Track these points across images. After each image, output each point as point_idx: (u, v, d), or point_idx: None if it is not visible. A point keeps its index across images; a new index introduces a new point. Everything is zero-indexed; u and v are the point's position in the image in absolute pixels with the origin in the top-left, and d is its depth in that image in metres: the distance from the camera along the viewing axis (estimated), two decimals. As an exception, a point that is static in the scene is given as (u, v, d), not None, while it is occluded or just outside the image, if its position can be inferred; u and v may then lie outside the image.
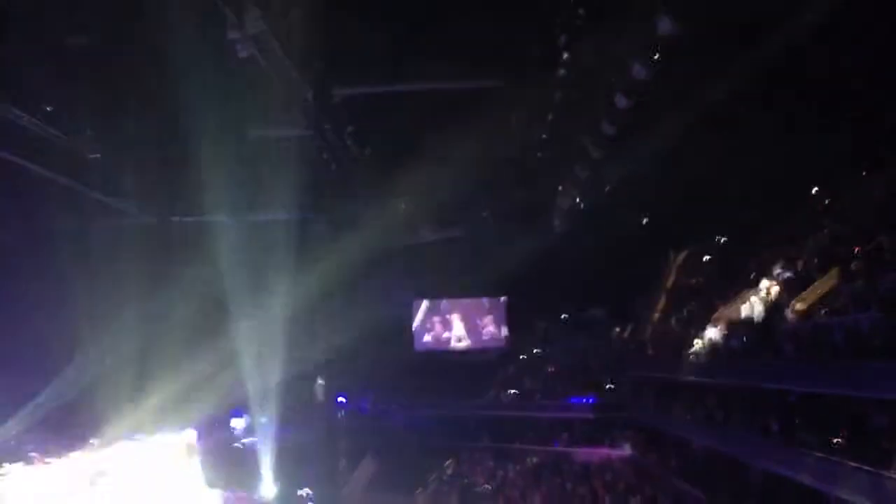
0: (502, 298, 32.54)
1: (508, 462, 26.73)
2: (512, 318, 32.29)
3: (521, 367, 32.00)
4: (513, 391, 30.84)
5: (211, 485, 25.62)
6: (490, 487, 24.99)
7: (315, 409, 27.79)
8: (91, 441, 22.06)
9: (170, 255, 28.94)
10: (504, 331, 32.35)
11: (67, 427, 24.32)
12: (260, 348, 27.62)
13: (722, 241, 27.10)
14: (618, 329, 31.57)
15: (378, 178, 22.74)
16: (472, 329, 32.58)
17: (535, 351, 33.16)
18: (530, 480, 24.89)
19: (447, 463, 26.41)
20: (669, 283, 28.99)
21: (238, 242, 27.82)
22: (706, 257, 27.59)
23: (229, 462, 25.57)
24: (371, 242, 27.14)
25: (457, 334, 32.81)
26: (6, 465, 18.97)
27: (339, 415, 29.25)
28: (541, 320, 33.20)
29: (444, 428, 27.49)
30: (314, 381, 27.11)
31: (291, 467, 25.42)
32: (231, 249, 27.55)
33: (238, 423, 27.64)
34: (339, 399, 28.92)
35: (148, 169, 21.45)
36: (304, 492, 25.14)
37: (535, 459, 26.64)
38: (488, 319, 32.82)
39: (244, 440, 27.04)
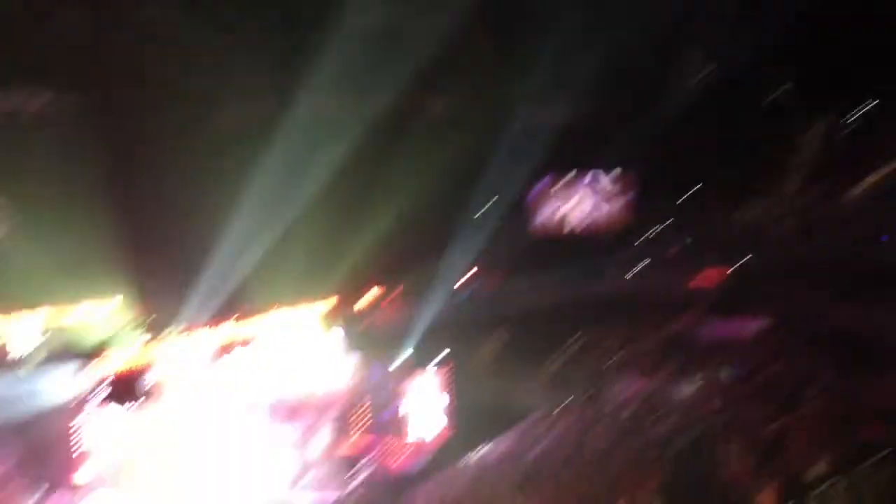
0: (624, 174, 31.75)
1: (631, 341, 26.83)
2: (635, 194, 31.56)
3: (645, 245, 31.48)
4: (637, 268, 30.56)
5: (348, 351, 27.24)
6: (615, 359, 25.32)
7: (452, 281, 28.56)
8: (238, 310, 23.51)
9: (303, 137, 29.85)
10: (626, 207, 31.73)
11: (216, 297, 26.06)
12: (399, 222, 28.53)
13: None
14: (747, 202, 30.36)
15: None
16: (594, 205, 32.18)
17: (660, 227, 32.44)
18: (656, 359, 25.01)
19: (567, 343, 26.77)
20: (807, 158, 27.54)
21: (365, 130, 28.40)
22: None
23: (365, 329, 26.82)
24: (495, 119, 27.13)
25: (578, 211, 32.51)
26: (165, 332, 20.71)
27: (473, 287, 29.95)
28: (666, 198, 32.22)
29: (563, 308, 27.69)
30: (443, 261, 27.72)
31: (427, 333, 26.50)
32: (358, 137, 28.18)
33: (374, 292, 28.77)
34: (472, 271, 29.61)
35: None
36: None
37: (659, 337, 26.62)
38: (611, 195, 32.26)
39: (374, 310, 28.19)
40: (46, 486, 25.85)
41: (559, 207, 32.48)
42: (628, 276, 29.95)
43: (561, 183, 32.58)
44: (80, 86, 30.38)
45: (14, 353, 26.82)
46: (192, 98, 29.85)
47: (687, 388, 22.35)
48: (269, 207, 28.59)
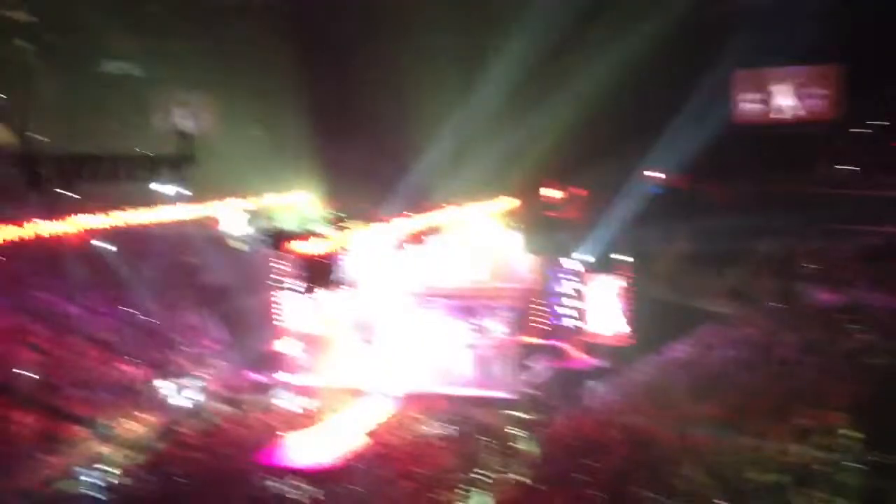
0: (835, 65, 28.86)
1: (837, 243, 24.93)
2: (847, 86, 28.66)
3: (856, 141, 28.71)
4: (845, 167, 28.10)
5: (528, 249, 27.46)
6: (812, 267, 23.78)
7: (632, 187, 27.86)
8: (421, 204, 24.18)
9: (487, 27, 29.55)
10: (836, 100, 28.94)
11: (401, 192, 26.93)
12: (573, 122, 27.98)
13: None
14: None
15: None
16: (798, 99, 29.64)
17: (876, 123, 29.38)
18: (861, 263, 23.19)
19: (765, 242, 25.32)
20: None
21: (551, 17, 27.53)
22: None
23: (544, 229, 26.85)
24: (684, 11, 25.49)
25: (780, 105, 30.14)
26: (353, 223, 21.70)
27: (654, 190, 29.05)
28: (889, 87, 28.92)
29: (764, 206, 26.08)
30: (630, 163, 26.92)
31: (607, 235, 26.19)
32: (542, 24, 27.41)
33: (551, 194, 28.62)
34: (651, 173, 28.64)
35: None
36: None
37: (867, 241, 24.52)
38: (817, 89, 29.53)
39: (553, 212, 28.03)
40: (248, 355, 28.67)
41: (758, 103, 30.26)
42: (828, 179, 27.63)
43: (762, 76, 30.21)
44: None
45: (225, 230, 29.46)
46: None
47: (885, 301, 20.69)
48: (459, 104, 28.88)
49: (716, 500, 13.83)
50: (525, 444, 21.36)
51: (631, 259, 26.09)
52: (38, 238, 20.56)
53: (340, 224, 19.75)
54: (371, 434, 21.96)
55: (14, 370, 21.81)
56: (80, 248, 23.25)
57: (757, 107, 30.14)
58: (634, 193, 28.09)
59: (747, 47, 27.92)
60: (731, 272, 25.51)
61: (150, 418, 22.67)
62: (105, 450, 20.62)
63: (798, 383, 17.60)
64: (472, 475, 19.00)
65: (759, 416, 16.31)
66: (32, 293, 25.40)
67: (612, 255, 26.15)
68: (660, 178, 29.49)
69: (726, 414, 17.01)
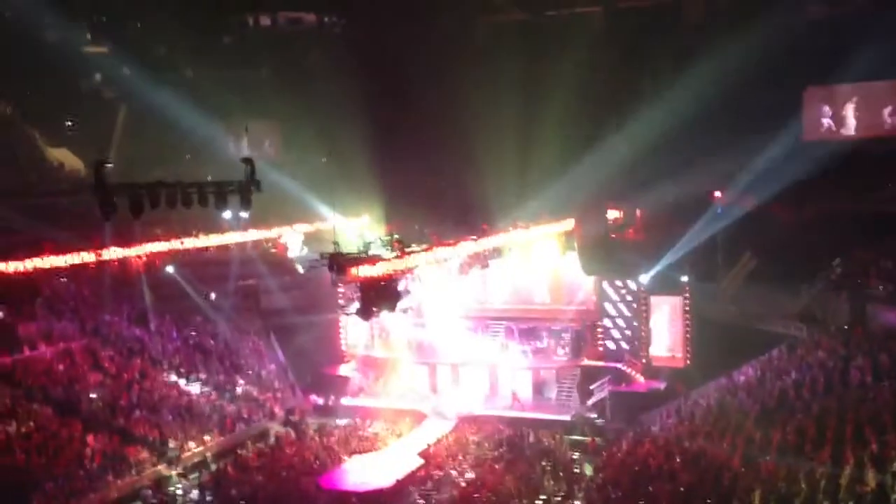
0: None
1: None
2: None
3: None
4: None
5: (588, 272, 27.15)
6: (883, 289, 22.92)
7: (695, 207, 27.40)
8: (482, 227, 24.13)
9: (542, 52, 29.57)
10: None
11: (461, 215, 26.96)
12: (638, 143, 27.70)
13: None
14: None
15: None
16: (872, 116, 28.74)
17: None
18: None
19: (835, 262, 24.50)
20: None
21: (613, 41, 27.42)
22: None
23: (604, 251, 26.50)
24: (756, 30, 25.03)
25: (851, 122, 29.29)
26: (414, 246, 21.80)
27: (718, 210, 28.52)
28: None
29: (833, 225, 25.28)
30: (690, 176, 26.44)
31: (668, 256, 25.71)
32: (604, 48, 27.30)
33: (612, 215, 28.29)
34: (716, 193, 28.09)
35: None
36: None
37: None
38: (890, 105, 28.62)
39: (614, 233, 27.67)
40: (308, 378, 28.98)
41: (832, 117, 29.42)
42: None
43: (833, 92, 29.39)
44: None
45: (291, 252, 30.00)
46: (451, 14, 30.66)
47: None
48: (523, 127, 28.88)
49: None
50: (585, 468, 21.02)
51: (695, 280, 25.57)
52: (109, 263, 21.29)
53: (402, 247, 19.77)
54: (429, 456, 21.87)
55: (83, 392, 22.49)
56: (148, 273, 23.95)
57: (828, 123, 29.40)
58: (698, 214, 27.62)
59: (818, 64, 27.34)
60: (800, 294, 24.75)
61: (214, 440, 23.05)
62: (169, 471, 21.03)
63: (873, 408, 16.89)
64: (532, 499, 18.73)
65: (832, 443, 15.70)
66: (102, 317, 26.19)
67: (675, 276, 25.66)
68: (725, 198, 28.91)
69: (797, 440, 16.42)
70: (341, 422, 25.92)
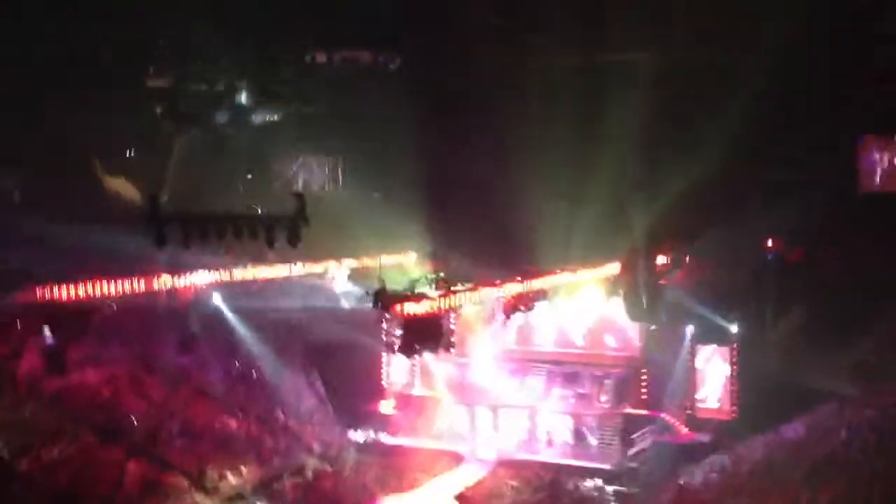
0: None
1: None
2: None
3: None
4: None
5: (633, 318, 26.80)
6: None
7: (745, 255, 27.01)
8: (530, 268, 24.09)
9: (594, 95, 29.58)
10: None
11: (508, 256, 26.93)
12: (688, 188, 27.42)
13: None
14: None
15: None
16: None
17: None
18: None
19: (878, 325, 23.88)
20: None
21: (664, 84, 27.31)
22: None
23: (651, 297, 26.16)
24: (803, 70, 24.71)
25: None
26: (459, 286, 21.91)
27: (769, 257, 28.03)
28: None
29: (887, 279, 24.60)
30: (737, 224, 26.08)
31: (716, 305, 25.31)
32: (656, 91, 27.21)
33: (660, 261, 27.95)
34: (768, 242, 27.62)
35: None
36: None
37: None
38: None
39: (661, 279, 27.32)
40: (348, 414, 28.99)
41: (885, 170, 28.74)
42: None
43: (890, 142, 28.75)
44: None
45: (337, 287, 30.33)
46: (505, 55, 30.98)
47: None
48: (566, 169, 28.88)
49: None
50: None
51: (742, 330, 25.05)
52: (158, 292, 21.76)
53: (448, 286, 19.83)
54: (466, 499, 21.66)
55: (125, 418, 22.82)
56: (195, 303, 24.36)
57: (884, 174, 28.74)
58: (748, 262, 27.18)
59: (874, 113, 26.84)
60: (852, 348, 24.07)
61: (252, 472, 23.14)
62: (206, 502, 21.16)
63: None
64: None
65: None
66: (148, 344, 26.64)
67: (724, 326, 25.20)
68: (775, 246, 28.39)
69: (845, 502, 15.90)
70: (379, 459, 25.83)
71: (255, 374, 28.21)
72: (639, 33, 26.83)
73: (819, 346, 24.36)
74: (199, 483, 21.54)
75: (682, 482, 21.37)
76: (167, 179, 33.58)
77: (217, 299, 25.69)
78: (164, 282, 21.57)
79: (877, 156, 28.92)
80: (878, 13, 25.91)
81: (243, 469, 22.99)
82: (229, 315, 27.58)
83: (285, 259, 26.36)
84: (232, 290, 25.10)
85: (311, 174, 37.38)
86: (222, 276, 23.32)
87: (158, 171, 33.78)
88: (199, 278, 22.38)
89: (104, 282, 19.74)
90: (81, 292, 19.23)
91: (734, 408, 24.73)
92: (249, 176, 36.28)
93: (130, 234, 22.20)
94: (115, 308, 24.39)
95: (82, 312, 20.56)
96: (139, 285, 20.62)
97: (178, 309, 24.71)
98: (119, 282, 19.93)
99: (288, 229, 19.05)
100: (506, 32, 30.54)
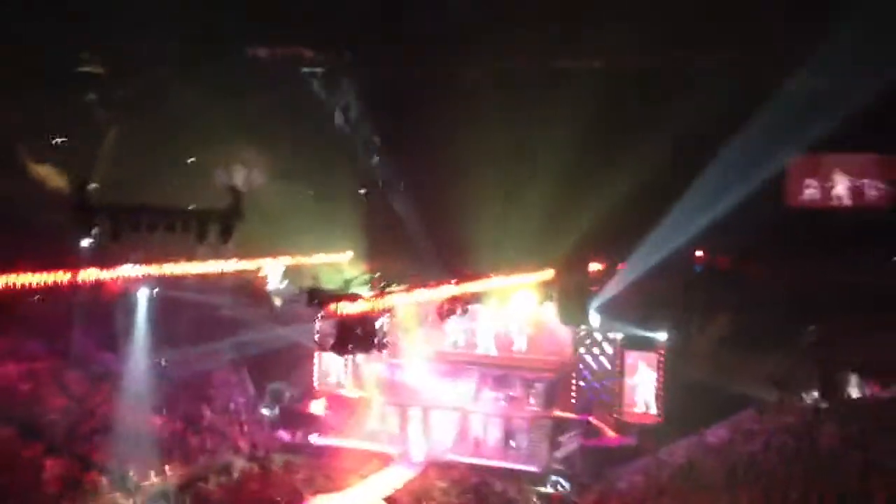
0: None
1: (886, 334, 24.11)
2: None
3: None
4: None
5: (565, 323, 27.21)
6: (858, 358, 23.07)
7: (674, 265, 27.61)
8: (463, 271, 24.19)
9: (536, 102, 29.92)
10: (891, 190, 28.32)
11: (443, 259, 27.01)
12: (619, 197, 27.92)
13: None
14: None
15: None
16: (859, 184, 29.06)
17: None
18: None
19: (810, 329, 24.71)
20: None
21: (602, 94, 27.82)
22: None
23: (582, 303, 26.59)
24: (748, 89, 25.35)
25: (837, 193, 29.62)
26: (394, 286, 21.86)
27: (697, 268, 28.74)
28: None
29: (811, 291, 25.48)
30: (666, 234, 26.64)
31: (645, 312, 25.86)
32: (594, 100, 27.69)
33: (593, 267, 28.40)
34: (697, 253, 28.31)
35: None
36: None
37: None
38: (877, 178, 28.96)
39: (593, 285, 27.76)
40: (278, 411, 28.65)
41: (814, 189, 29.72)
42: (882, 268, 26.92)
43: (820, 162, 29.74)
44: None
45: (269, 285, 29.84)
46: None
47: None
48: (503, 175, 29.07)
49: None
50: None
51: (670, 337, 25.63)
52: (81, 285, 21.03)
53: (381, 287, 19.78)
54: (394, 501, 21.61)
55: (45, 414, 22.10)
56: (120, 297, 23.66)
57: (812, 192, 29.71)
58: (678, 272, 27.78)
59: (805, 131, 27.70)
60: (773, 357, 24.87)
61: (175, 471, 22.64)
62: (127, 500, 20.61)
63: (840, 478, 16.89)
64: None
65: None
66: (70, 338, 25.85)
67: (652, 333, 25.74)
68: (704, 257, 29.12)
69: (763, 505, 16.41)
70: (308, 460, 25.56)
71: (181, 372, 27.65)
72: (581, 42, 27.16)
73: (742, 355, 25.14)
74: (121, 482, 20.96)
75: (606, 484, 21.73)
76: (97, 169, 32.63)
77: (144, 294, 25.01)
78: (89, 275, 20.88)
79: (804, 172, 29.94)
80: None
81: (167, 468, 22.48)
82: (157, 311, 26.96)
83: (218, 255, 25.91)
84: (161, 285, 24.46)
85: (246, 170, 36.81)
86: (151, 270, 22.71)
87: (88, 159, 32.81)
88: (127, 272, 21.75)
89: (26, 273, 19.03)
90: (1, 283, 18.50)
91: (660, 412, 25.29)
92: (190, 160, 35.56)
93: (57, 223, 21.56)
94: (37, 300, 23.58)
95: (2, 305, 19.76)
96: (63, 277, 19.92)
97: (103, 303, 23.95)
98: (42, 273, 19.22)
99: (221, 224, 18.72)
100: (448, 37, 30.63)
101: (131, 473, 21.36)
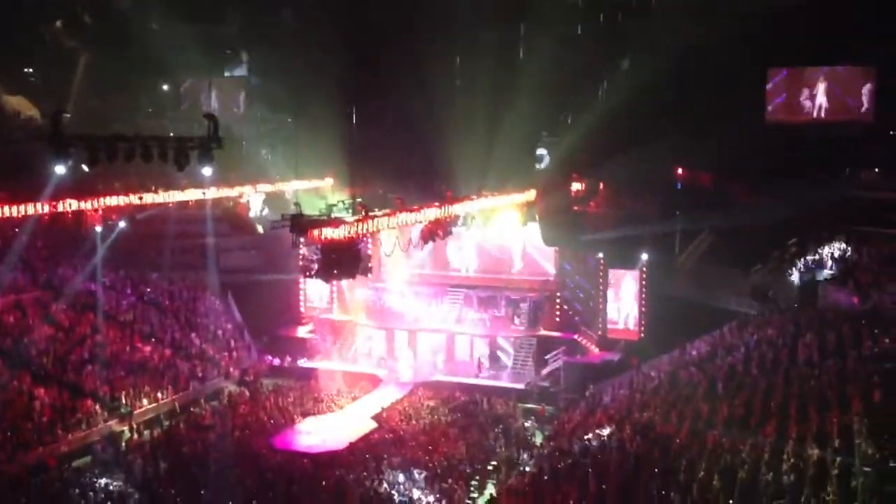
0: (871, 67, 28.30)
1: (862, 246, 24.52)
2: (885, 87, 28.00)
3: (890, 143, 28.18)
4: (876, 169, 27.72)
5: (549, 243, 27.36)
6: (837, 270, 23.44)
7: (655, 183, 27.69)
8: (446, 194, 24.07)
9: (516, 24, 29.44)
10: (869, 102, 28.32)
11: (426, 182, 26.85)
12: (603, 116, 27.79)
13: None
14: None
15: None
16: (834, 101, 29.03)
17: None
18: (885, 266, 22.79)
19: (791, 241, 24.97)
20: None
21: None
22: None
23: (565, 223, 26.69)
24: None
25: (813, 105, 29.56)
26: (377, 210, 21.78)
27: (677, 186, 28.89)
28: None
29: (790, 207, 25.68)
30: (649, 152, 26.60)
31: (628, 230, 26.01)
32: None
33: (575, 187, 28.45)
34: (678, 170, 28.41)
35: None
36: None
37: (883, 252, 24.11)
38: (853, 90, 28.92)
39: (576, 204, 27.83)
40: (266, 338, 28.86)
41: (792, 102, 29.62)
42: (858, 181, 27.15)
43: (797, 75, 29.57)
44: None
45: (251, 212, 29.78)
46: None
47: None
48: (484, 97, 28.75)
49: (730, 502, 13.64)
50: (537, 435, 21.33)
51: (652, 255, 25.84)
52: (63, 215, 20.78)
53: (365, 211, 19.64)
54: (383, 420, 22.00)
55: (33, 345, 22.14)
56: (103, 227, 23.43)
57: (790, 106, 29.61)
58: (660, 189, 27.89)
59: (783, 46, 27.45)
60: (753, 272, 25.21)
61: (167, 397, 22.90)
62: (120, 427, 20.88)
63: (818, 386, 17.31)
64: (484, 465, 19.00)
65: (776, 418, 16.08)
66: (55, 269, 25.73)
67: (634, 250, 25.92)
68: (686, 175, 29.22)
69: (743, 414, 16.78)
70: (297, 383, 25.89)
71: (168, 300, 27.71)
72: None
73: (723, 270, 25.48)
74: (113, 408, 21.19)
75: (591, 399, 22.18)
76: (71, 99, 31.98)
77: (126, 223, 24.77)
78: (69, 205, 20.60)
79: (784, 88, 29.81)
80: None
81: (158, 395, 22.73)
82: (141, 240, 26.82)
83: (198, 184, 25.62)
84: (142, 214, 24.20)
85: (225, 97, 36.18)
86: (132, 199, 22.43)
87: (62, 90, 32.13)
88: (108, 201, 21.49)
89: (6, 205, 18.76)
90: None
91: (643, 329, 25.69)
92: (164, 87, 34.94)
93: (33, 154, 21.13)
94: (17, 231, 23.40)
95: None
96: (43, 209, 19.67)
97: (85, 233, 23.75)
98: (23, 205, 18.95)
99: (199, 151, 18.38)
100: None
101: (123, 400, 21.58)
